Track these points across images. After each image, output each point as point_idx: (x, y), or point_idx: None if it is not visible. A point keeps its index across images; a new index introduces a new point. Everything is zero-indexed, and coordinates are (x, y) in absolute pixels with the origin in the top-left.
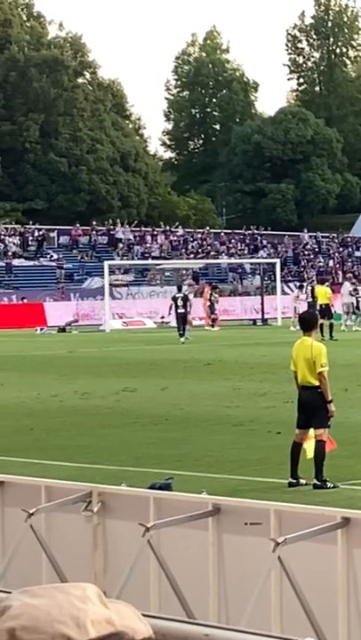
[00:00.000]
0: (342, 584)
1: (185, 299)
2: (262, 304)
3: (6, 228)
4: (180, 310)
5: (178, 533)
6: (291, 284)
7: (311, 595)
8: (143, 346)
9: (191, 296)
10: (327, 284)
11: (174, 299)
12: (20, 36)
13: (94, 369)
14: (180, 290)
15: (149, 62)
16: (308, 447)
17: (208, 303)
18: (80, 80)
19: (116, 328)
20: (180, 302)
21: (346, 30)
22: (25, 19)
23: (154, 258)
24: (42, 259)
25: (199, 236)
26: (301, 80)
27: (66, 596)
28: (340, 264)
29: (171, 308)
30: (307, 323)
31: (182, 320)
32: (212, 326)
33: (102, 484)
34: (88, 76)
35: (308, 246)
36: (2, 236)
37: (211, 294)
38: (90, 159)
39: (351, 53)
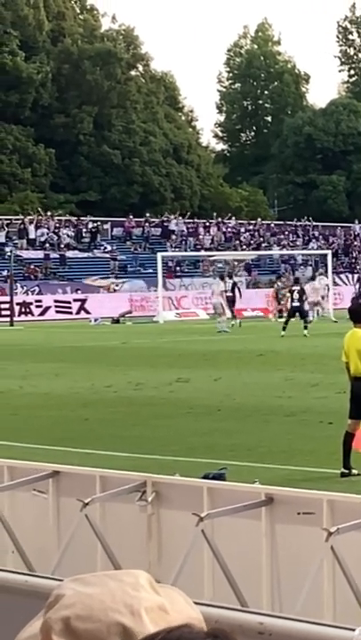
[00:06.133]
0: None
1: (301, 291)
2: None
3: (60, 220)
4: (296, 303)
5: (231, 523)
6: (342, 275)
7: None
8: (196, 337)
9: (220, 286)
10: None
11: (290, 291)
12: (74, 28)
13: (148, 360)
14: (296, 282)
15: (202, 54)
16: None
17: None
18: (133, 72)
19: (169, 319)
20: (295, 295)
21: None
22: (78, 12)
23: (206, 249)
24: (95, 250)
25: (251, 227)
26: (352, 72)
27: (118, 583)
28: None
29: (286, 299)
30: (356, 314)
31: (298, 313)
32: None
33: (156, 474)
34: (141, 68)
35: (360, 237)
36: (56, 228)
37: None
38: (143, 151)
39: None
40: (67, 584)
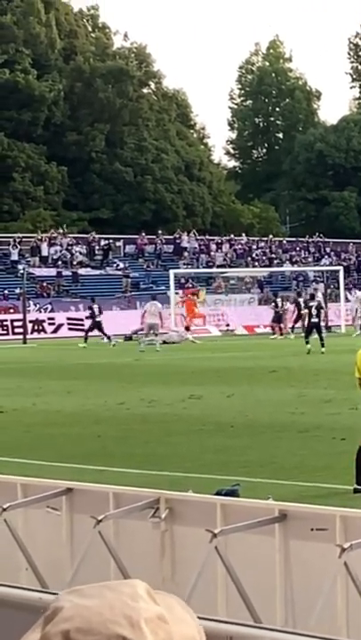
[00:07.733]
0: None
1: (319, 307)
2: (326, 311)
3: (73, 238)
4: (314, 319)
5: (245, 539)
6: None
7: None
8: (209, 354)
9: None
10: None
11: (308, 307)
12: (86, 46)
13: (161, 377)
14: (313, 298)
15: (213, 72)
16: None
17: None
18: (145, 90)
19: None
20: (313, 311)
21: None
22: (90, 29)
23: (218, 266)
24: (108, 268)
25: (263, 244)
26: None
27: (116, 594)
28: None
29: (304, 317)
30: None
31: (315, 329)
32: (281, 334)
33: (169, 491)
34: (153, 86)
35: None
36: (68, 246)
37: (281, 303)
38: (155, 168)
39: None
40: (64, 596)
